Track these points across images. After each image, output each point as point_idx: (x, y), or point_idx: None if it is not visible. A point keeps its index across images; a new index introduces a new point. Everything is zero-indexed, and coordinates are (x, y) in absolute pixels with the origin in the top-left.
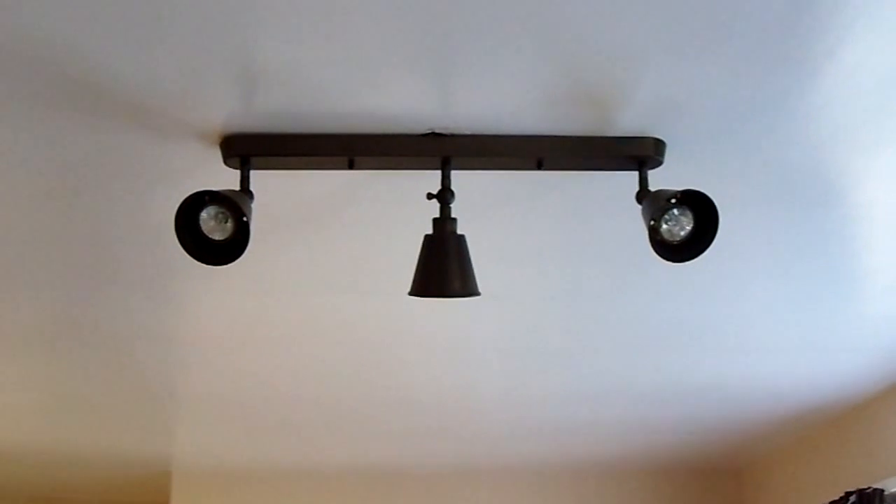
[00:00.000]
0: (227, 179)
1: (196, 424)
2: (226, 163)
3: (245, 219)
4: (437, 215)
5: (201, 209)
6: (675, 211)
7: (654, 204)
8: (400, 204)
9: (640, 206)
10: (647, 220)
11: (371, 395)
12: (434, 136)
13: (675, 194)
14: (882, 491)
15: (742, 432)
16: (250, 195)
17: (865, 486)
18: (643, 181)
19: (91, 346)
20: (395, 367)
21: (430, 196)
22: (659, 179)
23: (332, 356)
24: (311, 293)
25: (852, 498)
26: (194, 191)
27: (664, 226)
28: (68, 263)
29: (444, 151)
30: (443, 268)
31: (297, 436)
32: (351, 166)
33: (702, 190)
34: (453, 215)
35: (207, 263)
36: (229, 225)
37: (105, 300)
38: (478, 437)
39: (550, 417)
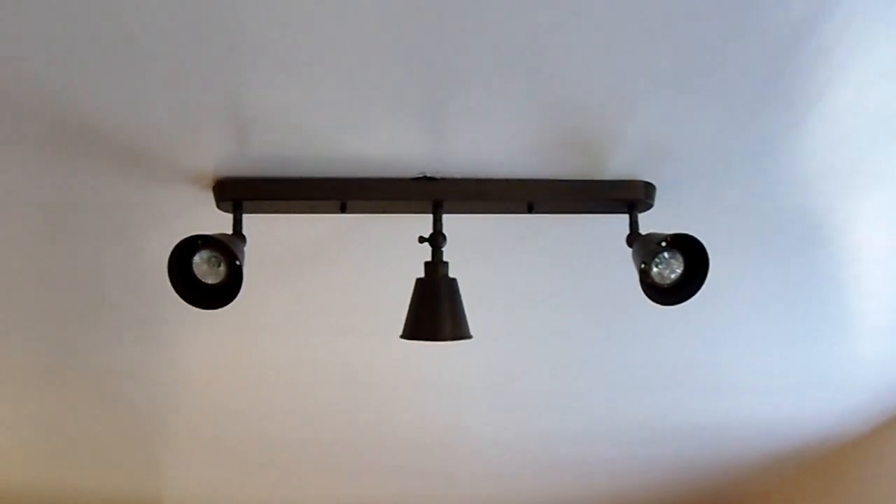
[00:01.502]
0: (219, 223)
1: (185, 464)
2: (218, 206)
3: (238, 262)
4: (429, 259)
5: (194, 253)
6: (666, 254)
7: (644, 247)
8: (391, 247)
9: (630, 249)
10: (638, 264)
11: (361, 434)
12: (425, 180)
13: (665, 238)
14: None
15: (732, 472)
16: (243, 238)
17: None
18: (633, 224)
19: (79, 387)
20: (384, 407)
21: (421, 240)
22: (649, 222)
23: (322, 396)
24: (303, 335)
25: None
26: (187, 234)
27: (655, 269)
28: (58, 305)
29: (436, 195)
30: (435, 311)
31: (286, 475)
32: (343, 210)
33: (692, 233)
34: (445, 258)
35: (200, 307)
36: (222, 269)
37: (94, 339)
38: (467, 476)
39: (539, 457)
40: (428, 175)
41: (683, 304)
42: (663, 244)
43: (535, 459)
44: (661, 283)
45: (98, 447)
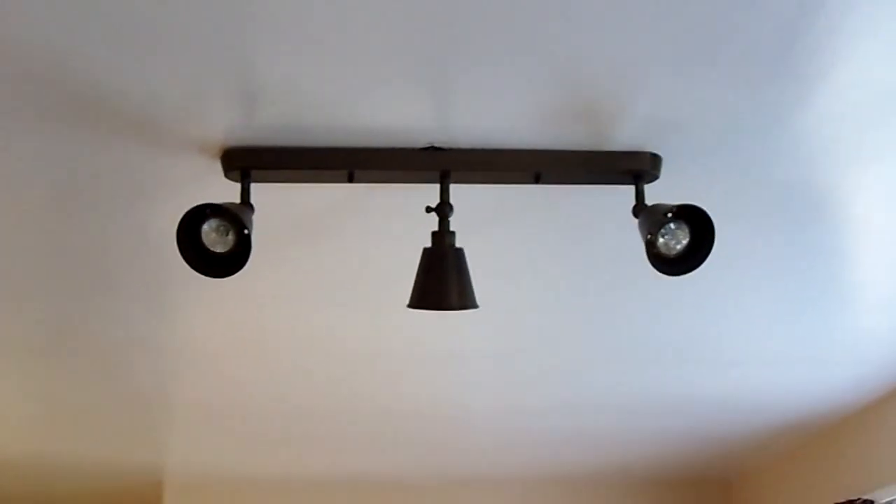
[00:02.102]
0: (227, 192)
1: (189, 434)
2: (226, 176)
3: (246, 231)
4: (436, 229)
5: (203, 222)
6: (672, 225)
7: (650, 218)
8: (399, 217)
9: (636, 220)
10: (644, 234)
11: (364, 406)
12: (433, 150)
13: (671, 208)
14: (871, 502)
15: (732, 443)
16: (251, 208)
17: (855, 497)
18: (640, 195)
19: (85, 356)
20: (388, 378)
21: (429, 209)
22: (655, 194)
23: (326, 367)
24: (308, 305)
25: None
26: (195, 204)
27: (661, 239)
28: (64, 274)
29: (443, 165)
30: (441, 281)
31: (289, 446)
32: (350, 179)
33: (698, 204)
34: (452, 228)
35: (209, 276)
36: (230, 237)
37: (101, 310)
38: (470, 448)
39: (542, 429)
40: (436, 145)
41: (689, 274)
42: (669, 215)
43: (537, 431)
44: (667, 253)
45: (101, 418)
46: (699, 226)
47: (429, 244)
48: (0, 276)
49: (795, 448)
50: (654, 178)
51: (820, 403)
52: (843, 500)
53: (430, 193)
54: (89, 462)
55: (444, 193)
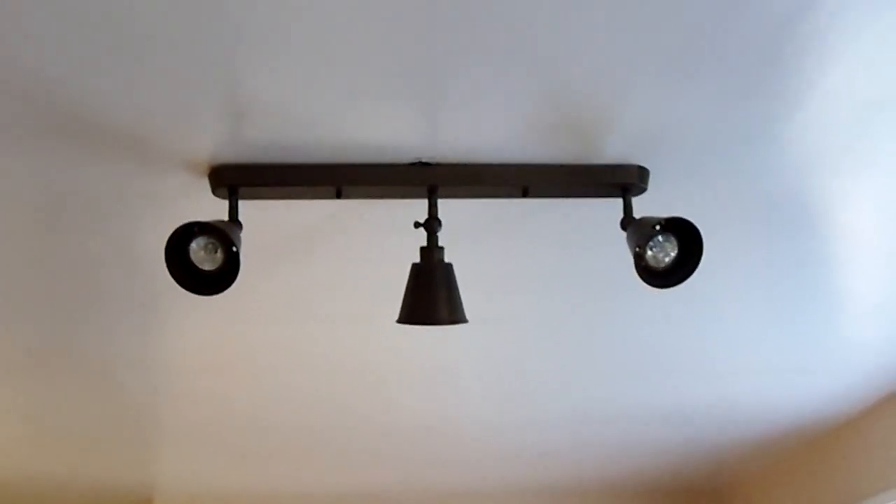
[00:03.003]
0: (215, 209)
1: (179, 451)
2: (214, 193)
3: (235, 249)
4: (425, 244)
5: (191, 240)
6: (660, 238)
7: (638, 231)
8: (387, 232)
9: (624, 233)
10: (633, 247)
11: (355, 421)
12: (421, 166)
13: (659, 221)
14: None
15: (724, 453)
16: (239, 225)
17: None
18: (627, 208)
19: (74, 374)
20: (379, 393)
21: (417, 225)
22: (643, 206)
23: (316, 383)
24: (297, 321)
25: None
26: (183, 221)
27: (649, 252)
28: (52, 291)
29: (431, 180)
30: (431, 296)
31: (280, 462)
32: (338, 195)
33: (685, 216)
34: (440, 243)
35: (198, 293)
36: (219, 255)
37: (89, 328)
38: (462, 462)
39: (534, 442)
40: (423, 160)
41: (677, 287)
42: (657, 228)
43: (528, 444)
44: (656, 266)
45: (90, 437)
46: (687, 238)
47: (417, 259)
48: None
49: (787, 457)
50: (642, 190)
51: (811, 412)
52: None
53: (418, 208)
54: (79, 480)
55: (433, 208)
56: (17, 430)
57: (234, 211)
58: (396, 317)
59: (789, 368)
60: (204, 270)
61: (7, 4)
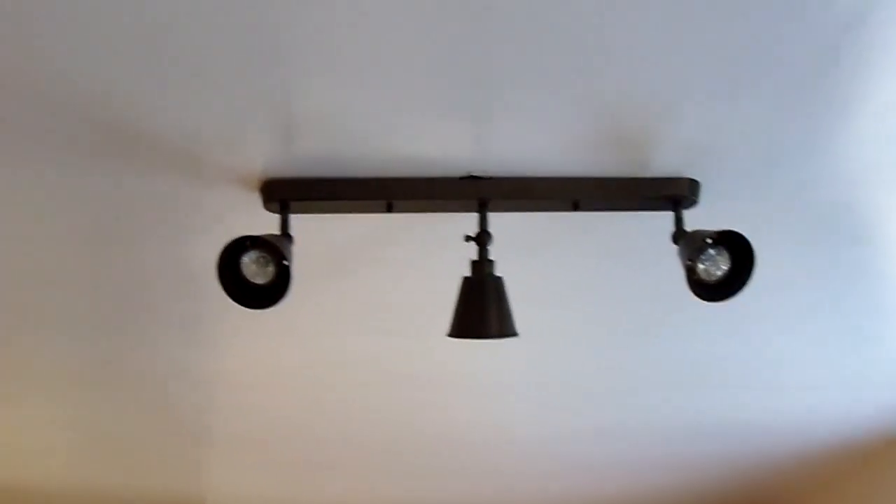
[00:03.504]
0: (266, 223)
1: (229, 464)
2: (266, 207)
3: (286, 262)
4: (475, 257)
5: (243, 254)
6: (712, 251)
7: (690, 244)
8: (437, 246)
9: (675, 247)
10: (684, 261)
11: (405, 433)
12: (471, 179)
13: (711, 234)
14: None
15: (775, 468)
16: (290, 239)
17: None
18: (679, 221)
19: (125, 385)
20: (429, 406)
21: (467, 238)
22: (694, 219)
23: (366, 397)
24: (348, 335)
25: None
26: (234, 235)
27: (701, 266)
28: (106, 305)
29: (482, 194)
30: (481, 310)
31: (330, 475)
32: (389, 210)
33: (737, 229)
34: (490, 257)
35: (249, 307)
36: (270, 269)
37: (140, 342)
38: (510, 474)
39: (584, 455)
40: (474, 174)
41: (729, 300)
42: (709, 241)
43: (578, 457)
44: (708, 279)
45: (141, 448)
46: (739, 251)
47: (468, 273)
48: (41, 307)
49: (840, 472)
50: (694, 203)
51: (863, 427)
52: None
53: (468, 222)
54: (130, 491)
55: (483, 222)
56: (69, 440)
57: (285, 225)
58: (447, 330)
59: (842, 381)
60: (255, 284)
61: (64, 21)
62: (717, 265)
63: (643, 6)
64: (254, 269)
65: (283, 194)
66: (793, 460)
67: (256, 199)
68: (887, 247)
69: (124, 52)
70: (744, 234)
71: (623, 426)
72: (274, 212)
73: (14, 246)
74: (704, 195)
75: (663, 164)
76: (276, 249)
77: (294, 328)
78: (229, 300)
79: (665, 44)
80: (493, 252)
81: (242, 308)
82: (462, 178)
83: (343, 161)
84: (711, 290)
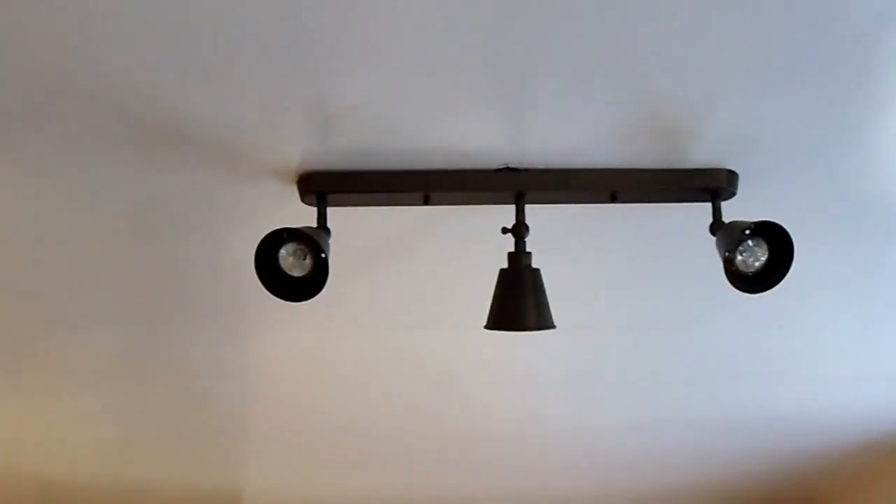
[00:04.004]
0: (303, 216)
1: (267, 458)
2: (303, 200)
3: (324, 255)
4: (512, 249)
5: (280, 246)
6: (750, 242)
7: (728, 235)
8: (474, 238)
9: (713, 238)
10: (722, 252)
11: (441, 428)
12: (508, 171)
13: (749, 225)
14: None
15: (816, 462)
16: (327, 231)
17: None
18: (717, 212)
19: (163, 379)
20: (465, 400)
21: (504, 230)
22: (732, 211)
23: (403, 390)
24: (385, 327)
25: None
26: (272, 228)
27: (739, 257)
28: (144, 300)
29: (518, 186)
30: (519, 302)
31: (367, 468)
32: (426, 202)
33: (776, 220)
34: (528, 249)
35: (288, 300)
36: (308, 261)
37: (178, 335)
38: (548, 469)
39: (620, 449)
40: (511, 166)
41: (768, 292)
42: (747, 232)
43: (614, 451)
44: (746, 271)
45: (178, 443)
46: (778, 242)
47: (505, 265)
48: (79, 301)
49: (880, 466)
50: (732, 194)
51: None
52: None
53: (505, 214)
54: (167, 484)
55: (520, 214)
56: (108, 433)
57: (322, 217)
58: (484, 323)
59: (881, 375)
60: (293, 277)
61: (101, 17)
62: (755, 256)
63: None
64: (291, 261)
65: (320, 187)
66: (829, 455)
67: (294, 192)
68: None
69: (164, 48)
70: (782, 224)
71: (658, 420)
72: (311, 204)
73: (52, 241)
74: (743, 186)
75: (701, 155)
76: (313, 242)
77: (331, 321)
78: (267, 293)
79: (703, 34)
80: (530, 244)
81: (280, 301)
82: (498, 170)
83: (379, 154)
84: (750, 282)
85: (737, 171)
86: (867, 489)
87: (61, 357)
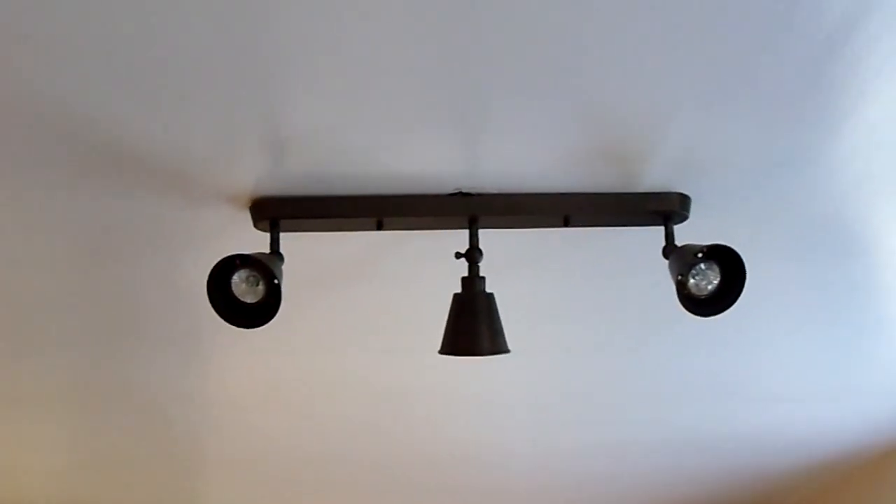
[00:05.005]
0: (256, 242)
1: (224, 484)
2: (256, 226)
3: (276, 281)
4: (466, 274)
5: (233, 273)
6: (703, 265)
7: (681, 259)
8: (428, 263)
9: (666, 261)
10: (675, 275)
11: (399, 452)
12: (461, 196)
13: (701, 249)
14: None
15: (771, 481)
16: (280, 257)
17: None
18: (669, 236)
19: (116, 405)
20: (423, 423)
21: (458, 255)
22: (685, 234)
23: (360, 415)
24: (340, 352)
25: None
26: (224, 254)
27: (691, 280)
28: (97, 325)
29: (472, 210)
30: (473, 326)
31: (326, 494)
32: (379, 227)
33: (728, 243)
34: (481, 273)
35: (240, 326)
36: (261, 288)
37: (132, 361)
38: (507, 491)
39: (578, 471)
40: (463, 191)
41: (721, 314)
42: (700, 255)
43: (573, 473)
44: (699, 294)
45: (133, 467)
46: (730, 265)
47: (459, 289)
48: (32, 328)
49: (837, 483)
50: (684, 218)
51: (859, 437)
52: None
53: (458, 238)
54: None
55: (473, 238)
56: (62, 461)
57: (275, 243)
58: (438, 347)
59: (838, 393)
60: (246, 303)
61: (51, 42)
62: (707, 279)
63: (632, 23)
64: (244, 288)
65: (273, 213)
66: (789, 472)
67: (246, 218)
68: (879, 258)
69: (112, 72)
70: (734, 247)
71: (614, 440)
72: (264, 230)
73: (3, 266)
74: (695, 210)
75: (653, 179)
76: (266, 268)
77: (287, 346)
78: (221, 319)
79: (654, 59)
80: (484, 268)
81: (234, 327)
82: (451, 195)
83: (332, 179)
84: (702, 305)
85: (689, 194)
86: None
87: (15, 385)
